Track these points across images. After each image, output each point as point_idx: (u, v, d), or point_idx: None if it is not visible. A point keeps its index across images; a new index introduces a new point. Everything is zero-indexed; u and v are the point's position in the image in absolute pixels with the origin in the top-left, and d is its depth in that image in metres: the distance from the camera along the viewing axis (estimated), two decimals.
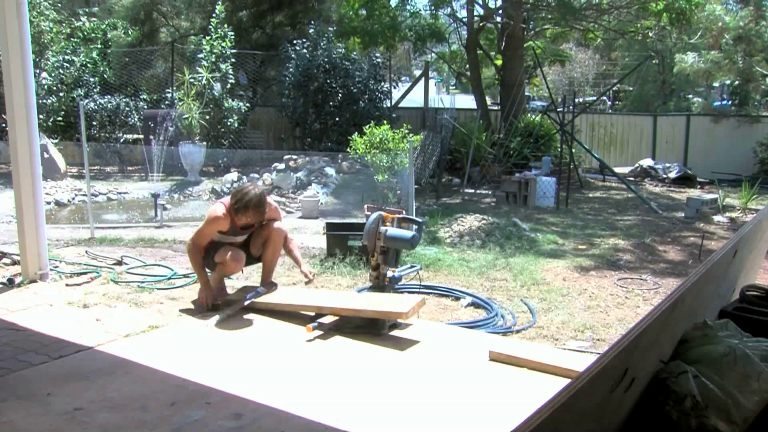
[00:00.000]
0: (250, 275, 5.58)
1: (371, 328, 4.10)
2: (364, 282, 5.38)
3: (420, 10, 14.41)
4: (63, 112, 12.89)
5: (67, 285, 5.03)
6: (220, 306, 4.60)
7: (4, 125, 9.90)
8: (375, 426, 2.96)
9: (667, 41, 16.13)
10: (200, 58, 12.59)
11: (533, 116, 13.63)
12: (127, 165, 12.99)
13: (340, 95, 12.72)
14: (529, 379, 3.46)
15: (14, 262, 5.49)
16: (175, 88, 13.48)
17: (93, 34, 14.53)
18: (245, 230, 4.65)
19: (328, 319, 4.19)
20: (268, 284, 4.75)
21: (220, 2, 12.90)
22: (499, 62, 15.30)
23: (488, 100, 17.28)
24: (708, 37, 14.03)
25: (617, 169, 12.84)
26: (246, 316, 4.36)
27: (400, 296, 4.50)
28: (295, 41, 13.29)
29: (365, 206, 8.22)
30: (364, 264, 5.87)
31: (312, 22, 13.99)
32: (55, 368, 3.49)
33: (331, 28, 14.37)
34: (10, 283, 4.97)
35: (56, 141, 12.38)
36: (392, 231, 4.47)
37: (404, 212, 6.56)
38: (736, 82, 17.22)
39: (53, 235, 6.89)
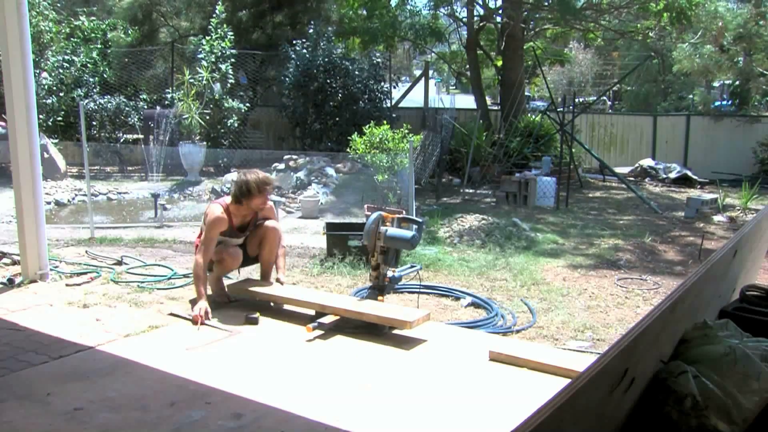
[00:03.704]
0: (249, 275, 5.57)
1: (372, 328, 4.10)
2: (364, 282, 5.38)
3: (420, 9, 14.41)
4: (63, 112, 12.87)
5: (67, 285, 5.03)
6: (223, 305, 4.60)
7: (4, 125, 9.89)
8: (375, 426, 2.96)
9: (666, 41, 16.13)
10: (200, 58, 12.58)
11: (533, 116, 13.62)
12: (127, 165, 12.98)
13: (340, 95, 12.72)
14: (529, 379, 3.46)
15: (14, 262, 5.49)
16: (174, 88, 13.47)
17: (93, 34, 14.52)
18: (242, 232, 4.66)
19: (328, 319, 4.19)
20: (268, 283, 4.76)
21: (219, 2, 12.89)
22: (499, 62, 15.29)
23: (488, 100, 17.27)
24: (708, 36, 14.01)
25: (617, 169, 12.83)
26: (246, 315, 4.36)
27: (407, 308, 4.49)
28: (295, 41, 13.29)
29: (365, 206, 8.22)
30: (364, 264, 5.87)
31: (312, 22, 13.99)
32: (55, 368, 3.49)
33: (330, 28, 14.36)
34: (10, 283, 4.97)
35: (56, 141, 12.37)
36: (392, 231, 4.47)
37: (404, 212, 6.56)
38: (736, 82, 17.20)
39: (53, 235, 6.90)
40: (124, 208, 9.93)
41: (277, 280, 4.71)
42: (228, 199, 4.60)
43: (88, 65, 13.57)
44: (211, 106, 12.41)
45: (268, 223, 4.68)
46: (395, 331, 4.12)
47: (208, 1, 15.72)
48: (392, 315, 4.08)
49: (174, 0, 17.36)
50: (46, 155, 10.77)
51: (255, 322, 4.26)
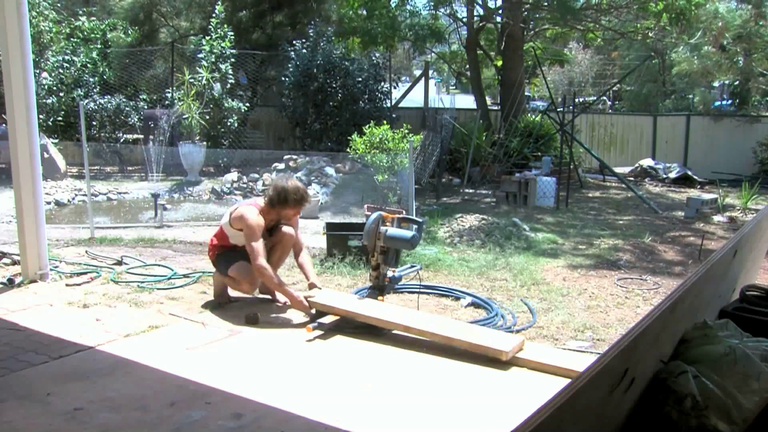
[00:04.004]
0: None
1: (371, 328, 4.09)
2: (364, 282, 5.38)
3: (420, 9, 14.42)
4: (63, 112, 12.88)
5: (67, 285, 5.03)
6: (223, 305, 4.60)
7: (4, 125, 9.90)
8: (375, 426, 2.96)
9: (667, 41, 16.13)
10: (200, 58, 12.59)
11: (533, 116, 13.63)
12: (127, 165, 12.99)
13: (340, 95, 12.72)
14: (529, 379, 3.46)
15: (14, 262, 5.49)
16: (175, 88, 13.48)
17: (93, 35, 14.54)
18: (269, 231, 4.61)
19: (328, 319, 4.19)
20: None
21: (219, 2, 12.90)
22: (499, 62, 15.29)
23: (488, 100, 17.27)
24: (708, 36, 14.02)
25: (617, 169, 12.83)
26: (246, 315, 4.35)
27: (497, 332, 4.10)
28: (294, 41, 13.29)
29: (365, 206, 8.22)
30: (364, 264, 5.87)
31: (312, 22, 13.99)
32: (55, 368, 3.49)
33: (330, 29, 14.36)
34: (10, 283, 4.97)
35: (56, 141, 12.37)
36: (392, 231, 4.47)
37: (404, 212, 6.57)
38: (736, 82, 17.21)
39: (53, 235, 6.89)
40: (124, 208, 9.93)
41: (313, 285, 4.51)
42: (260, 202, 4.54)
43: (88, 65, 13.57)
44: (211, 106, 12.42)
45: (285, 229, 4.63)
46: (395, 332, 4.11)
47: (208, 1, 15.73)
48: (486, 343, 3.68)
49: (174, 0, 17.36)
50: (46, 155, 10.78)
51: (255, 322, 4.26)
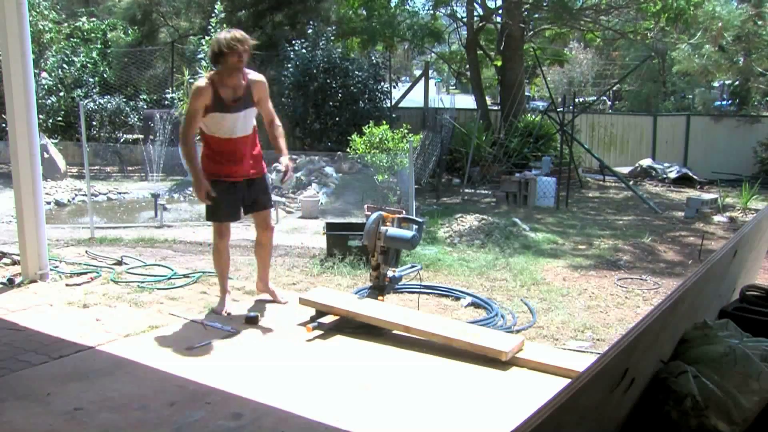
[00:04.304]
0: (249, 275, 5.58)
1: (371, 328, 4.09)
2: (364, 282, 5.38)
3: (419, 10, 14.44)
4: (63, 112, 12.89)
5: (67, 285, 5.03)
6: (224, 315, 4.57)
7: (4, 125, 9.90)
8: (375, 426, 2.96)
9: (667, 41, 16.13)
10: (200, 58, 12.58)
11: (533, 116, 13.63)
12: (127, 165, 12.99)
13: (340, 95, 12.73)
14: (529, 379, 3.46)
15: (14, 262, 5.48)
16: (174, 88, 13.48)
17: (92, 35, 14.55)
18: (236, 102, 4.19)
19: (328, 319, 4.18)
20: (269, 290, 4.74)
21: (219, 2, 12.90)
22: (499, 62, 15.31)
23: (488, 100, 17.28)
24: (707, 36, 14.02)
25: (617, 169, 12.83)
26: (246, 315, 4.35)
27: (497, 332, 4.10)
28: (294, 41, 13.30)
29: (365, 206, 8.23)
30: (364, 264, 5.87)
31: (311, 22, 14.00)
32: (55, 368, 3.49)
33: (330, 28, 14.38)
34: (10, 283, 4.97)
35: (56, 141, 12.38)
36: (392, 231, 4.47)
37: (404, 212, 6.57)
38: (736, 82, 17.21)
39: (53, 235, 6.89)
40: (124, 208, 9.93)
41: (285, 168, 4.26)
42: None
43: (88, 65, 13.58)
44: None
45: (266, 224, 4.56)
46: (395, 332, 4.11)
47: (207, 1, 15.73)
48: (485, 343, 3.67)
49: (174, 0, 17.37)
50: (46, 155, 10.78)
51: (255, 321, 4.26)
